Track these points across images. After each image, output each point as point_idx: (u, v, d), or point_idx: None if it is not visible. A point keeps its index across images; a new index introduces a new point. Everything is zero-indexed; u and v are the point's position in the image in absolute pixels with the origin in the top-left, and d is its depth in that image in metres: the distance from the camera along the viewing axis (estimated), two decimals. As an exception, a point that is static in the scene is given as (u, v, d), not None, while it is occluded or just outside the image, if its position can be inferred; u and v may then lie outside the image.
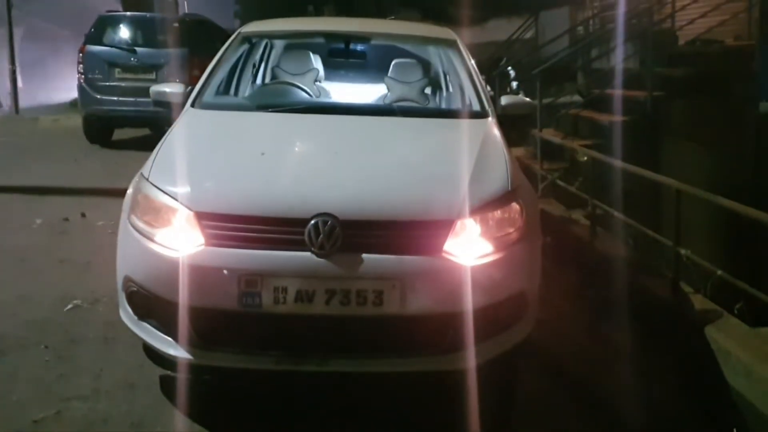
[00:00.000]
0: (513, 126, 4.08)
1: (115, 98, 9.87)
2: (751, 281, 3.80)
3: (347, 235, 2.75)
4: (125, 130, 10.75)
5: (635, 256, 4.99)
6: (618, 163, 5.54)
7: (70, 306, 4.20)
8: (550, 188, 6.97)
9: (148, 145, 3.44)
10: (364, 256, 2.75)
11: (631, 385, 3.46)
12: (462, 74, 4.28)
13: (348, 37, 4.74)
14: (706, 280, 4.25)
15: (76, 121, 10.91)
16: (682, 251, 4.18)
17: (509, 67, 11.70)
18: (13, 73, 15.02)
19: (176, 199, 2.91)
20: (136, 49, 10.12)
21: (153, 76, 9.73)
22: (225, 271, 2.75)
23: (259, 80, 4.80)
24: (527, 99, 4.46)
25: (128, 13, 11.36)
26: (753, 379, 3.21)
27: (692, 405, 3.44)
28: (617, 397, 3.35)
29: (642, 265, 4.74)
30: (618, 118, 7.70)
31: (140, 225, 2.98)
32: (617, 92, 8.05)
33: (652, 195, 6.37)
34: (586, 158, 5.82)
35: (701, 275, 4.28)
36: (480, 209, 2.92)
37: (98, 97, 9.94)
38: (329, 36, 4.83)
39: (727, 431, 3.19)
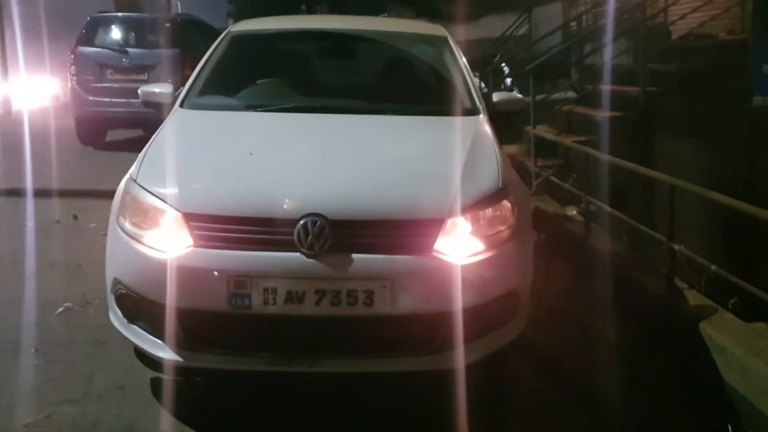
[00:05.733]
0: (507, 123, 4.06)
1: (107, 99, 9.85)
2: (745, 276, 3.78)
3: (337, 235, 2.73)
4: (118, 131, 10.71)
5: (629, 253, 4.98)
6: (612, 158, 5.52)
7: (61, 309, 4.18)
8: (544, 185, 6.96)
9: (140, 146, 3.43)
10: (354, 256, 2.73)
11: (625, 381, 3.44)
12: (453, 71, 4.26)
13: (338, 35, 4.71)
14: (701, 275, 4.24)
15: (69, 122, 10.87)
16: (676, 247, 4.16)
17: (503, 64, 11.69)
18: (6, 74, 14.96)
19: (164, 201, 2.90)
20: (128, 49, 10.11)
21: (145, 76, 9.71)
22: (215, 273, 2.73)
23: (248, 80, 4.76)
24: (519, 95, 4.44)
25: (119, 14, 11.34)
26: (747, 374, 3.20)
27: (686, 400, 3.43)
28: (611, 394, 3.32)
29: (636, 261, 4.72)
30: (612, 113, 7.68)
31: (128, 227, 2.96)
32: (611, 88, 8.03)
33: (646, 190, 6.35)
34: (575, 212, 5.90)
35: (695, 271, 4.27)
36: (471, 207, 2.90)
37: (90, 98, 9.91)
38: (319, 34, 4.80)
39: (721, 427, 3.17)
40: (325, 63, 4.81)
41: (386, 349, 2.82)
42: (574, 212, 6.06)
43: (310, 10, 19.27)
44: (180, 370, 3.00)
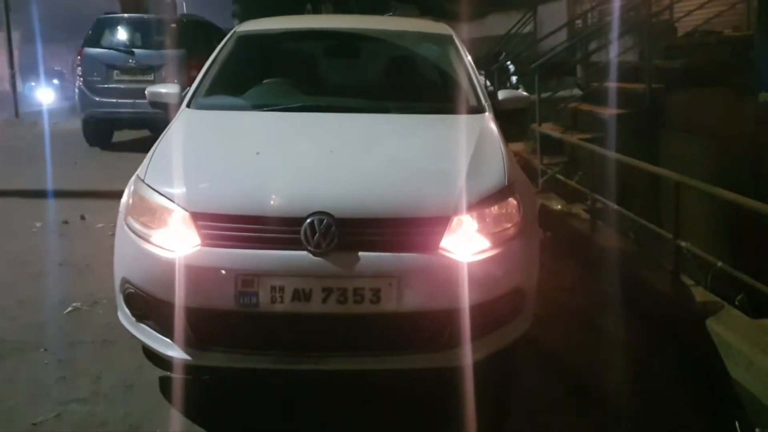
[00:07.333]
0: (512, 121, 4.07)
1: (114, 100, 9.91)
2: (751, 273, 3.78)
3: (343, 233, 2.74)
4: (125, 131, 10.76)
5: (635, 250, 4.97)
6: (618, 156, 5.52)
7: (69, 309, 4.20)
8: (551, 183, 6.96)
9: (147, 146, 3.45)
10: (361, 254, 2.74)
11: (632, 378, 3.44)
12: (458, 69, 4.27)
13: (343, 35, 4.72)
14: (707, 272, 4.23)
15: (76, 124, 10.93)
16: (682, 243, 4.16)
17: (508, 62, 11.69)
18: (13, 77, 15.01)
19: (172, 200, 2.91)
20: (134, 50, 10.16)
21: (151, 77, 9.77)
22: (222, 271, 2.75)
23: (254, 79, 4.78)
24: (525, 93, 4.44)
25: (125, 15, 11.40)
26: (754, 370, 3.20)
27: (693, 397, 3.42)
28: (617, 392, 3.33)
29: (642, 258, 4.72)
30: (617, 110, 7.67)
31: (137, 226, 2.98)
32: (616, 85, 8.03)
33: (652, 187, 6.35)
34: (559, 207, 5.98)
35: (702, 267, 4.26)
36: (477, 205, 2.91)
37: (97, 99, 9.97)
38: (324, 34, 4.82)
39: (728, 423, 3.17)
40: (330, 62, 4.82)
41: (393, 347, 2.83)
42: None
43: (315, 10, 19.27)
44: (188, 369, 3.02)
